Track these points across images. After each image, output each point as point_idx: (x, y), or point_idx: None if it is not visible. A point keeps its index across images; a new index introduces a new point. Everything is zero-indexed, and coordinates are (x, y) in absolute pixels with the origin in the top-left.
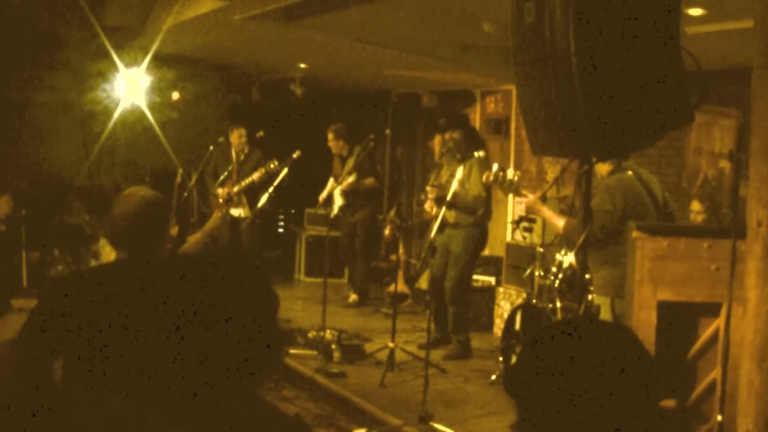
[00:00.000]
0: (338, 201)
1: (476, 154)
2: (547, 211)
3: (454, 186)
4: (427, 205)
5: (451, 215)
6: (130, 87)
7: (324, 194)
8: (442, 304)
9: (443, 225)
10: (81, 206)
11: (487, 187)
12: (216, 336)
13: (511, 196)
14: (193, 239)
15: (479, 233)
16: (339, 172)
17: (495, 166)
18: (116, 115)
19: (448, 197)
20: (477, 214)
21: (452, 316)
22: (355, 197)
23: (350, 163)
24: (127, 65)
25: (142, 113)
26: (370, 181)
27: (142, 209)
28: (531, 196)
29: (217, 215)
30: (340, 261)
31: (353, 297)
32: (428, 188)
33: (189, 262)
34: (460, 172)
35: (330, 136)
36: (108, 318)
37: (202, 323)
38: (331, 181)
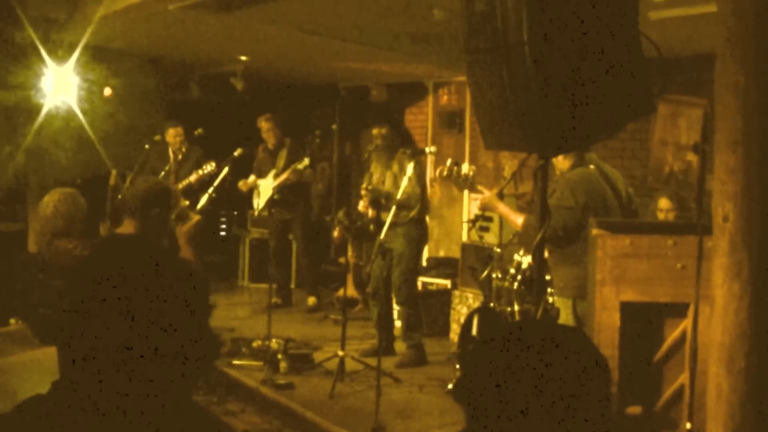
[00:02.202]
0: (266, 195)
1: (428, 149)
2: (504, 208)
3: (405, 184)
4: (361, 206)
5: (387, 215)
6: (58, 83)
7: (247, 183)
8: (386, 308)
9: (380, 225)
10: None
11: (422, 182)
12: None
13: (466, 193)
14: None
15: (418, 229)
16: (266, 167)
17: (449, 161)
18: (44, 113)
19: (399, 196)
20: (413, 210)
21: (403, 316)
22: (289, 193)
23: (283, 155)
24: (55, 60)
25: (72, 111)
26: (309, 171)
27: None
28: (487, 192)
29: None
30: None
31: (312, 300)
32: (363, 191)
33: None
34: (410, 169)
35: (269, 124)
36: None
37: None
38: (252, 178)
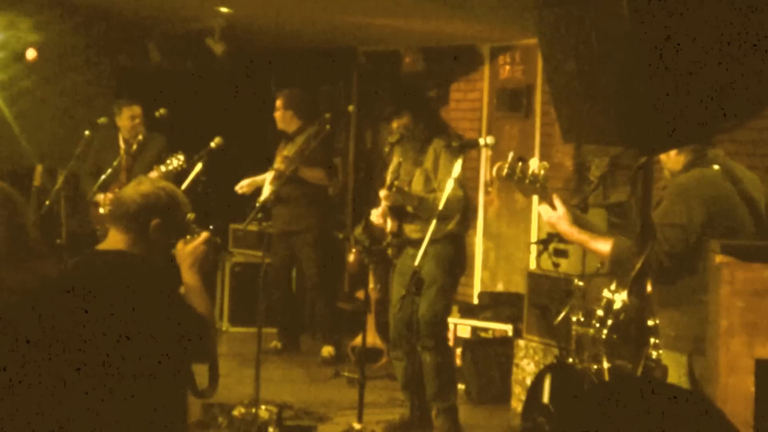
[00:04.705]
0: (266, 192)
1: (482, 141)
2: (578, 234)
3: (449, 187)
4: (374, 215)
5: (414, 229)
6: None
7: (246, 183)
8: (416, 361)
9: (403, 243)
10: None
11: (463, 184)
12: None
13: (535, 202)
14: None
15: (454, 249)
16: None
17: (510, 156)
18: None
19: (442, 205)
20: (451, 221)
21: (432, 367)
22: (293, 195)
23: (298, 141)
24: None
25: None
26: (316, 173)
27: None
28: (560, 208)
29: None
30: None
31: (328, 350)
32: (382, 193)
33: None
34: (458, 168)
35: (278, 102)
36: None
37: None
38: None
